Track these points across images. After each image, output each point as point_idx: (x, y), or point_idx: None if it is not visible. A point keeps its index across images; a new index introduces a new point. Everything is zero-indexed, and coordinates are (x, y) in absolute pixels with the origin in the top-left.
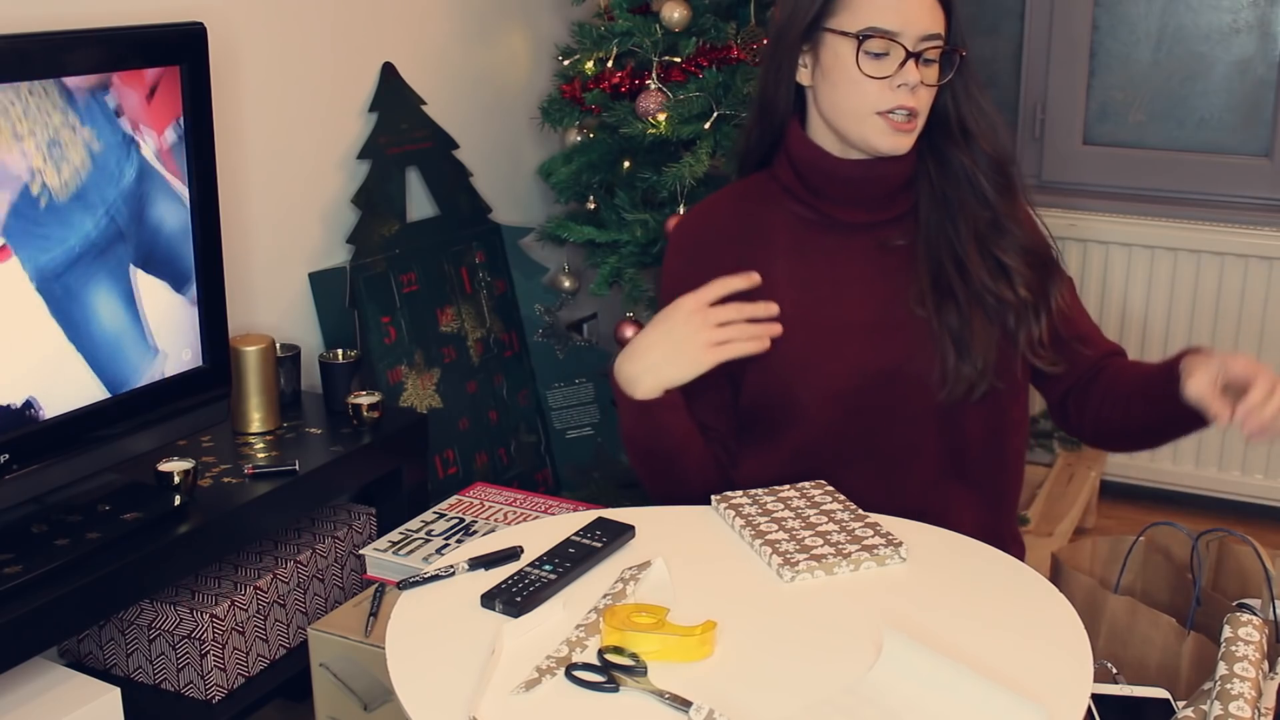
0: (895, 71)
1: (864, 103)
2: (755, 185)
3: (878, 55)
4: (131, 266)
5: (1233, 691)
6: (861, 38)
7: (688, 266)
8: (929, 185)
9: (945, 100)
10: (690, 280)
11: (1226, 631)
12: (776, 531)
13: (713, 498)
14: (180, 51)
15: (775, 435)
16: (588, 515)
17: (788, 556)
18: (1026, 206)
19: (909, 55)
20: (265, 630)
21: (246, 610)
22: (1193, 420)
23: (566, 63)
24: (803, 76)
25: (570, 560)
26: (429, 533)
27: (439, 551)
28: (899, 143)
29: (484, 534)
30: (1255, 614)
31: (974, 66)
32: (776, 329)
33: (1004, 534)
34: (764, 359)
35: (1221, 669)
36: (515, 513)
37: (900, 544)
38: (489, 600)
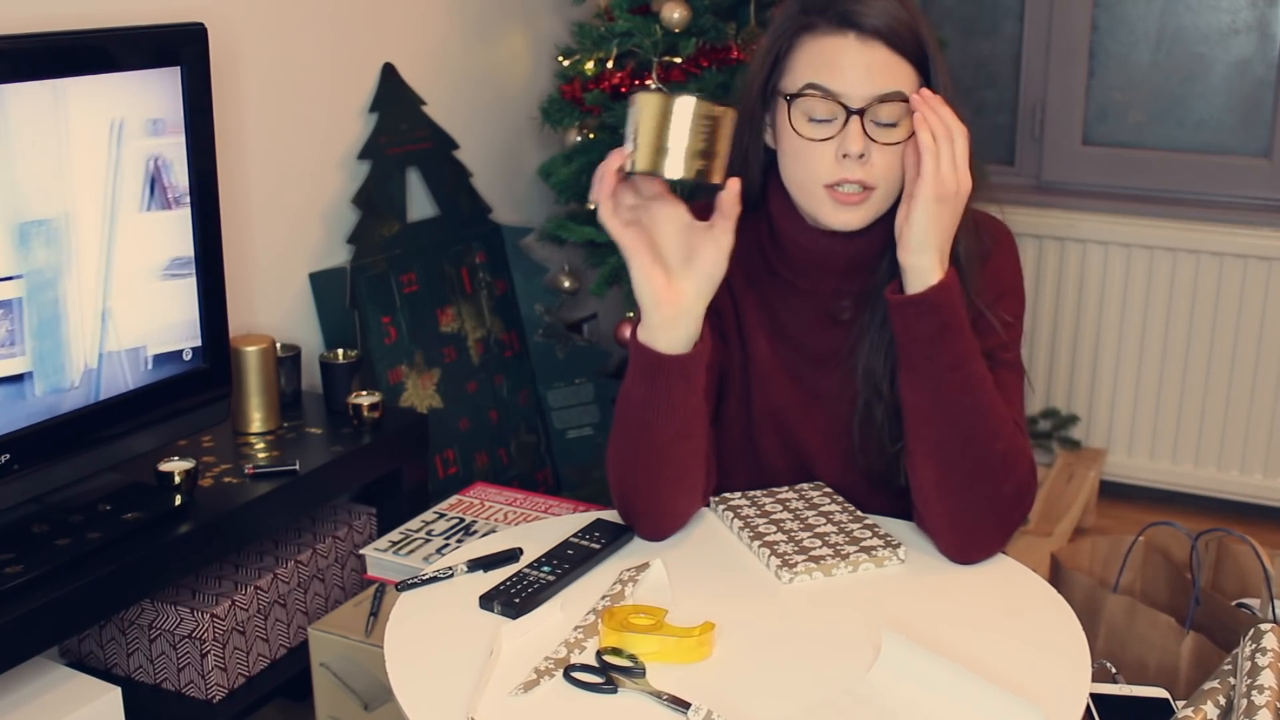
0: (836, 134)
1: (810, 173)
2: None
3: (819, 120)
4: None
5: (1258, 703)
6: (790, 98)
7: None
8: (891, 264)
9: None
10: None
11: (1248, 648)
12: (775, 533)
13: (711, 499)
14: (180, 52)
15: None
16: (587, 516)
17: (786, 558)
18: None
19: (849, 114)
20: (265, 630)
21: (247, 610)
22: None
23: (566, 63)
24: (769, 138)
25: (569, 561)
26: (429, 533)
27: (439, 551)
28: (848, 219)
29: (484, 534)
30: (1255, 613)
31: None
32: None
33: None
34: (744, 395)
35: (1244, 683)
36: (515, 513)
37: (899, 545)
38: (488, 601)
